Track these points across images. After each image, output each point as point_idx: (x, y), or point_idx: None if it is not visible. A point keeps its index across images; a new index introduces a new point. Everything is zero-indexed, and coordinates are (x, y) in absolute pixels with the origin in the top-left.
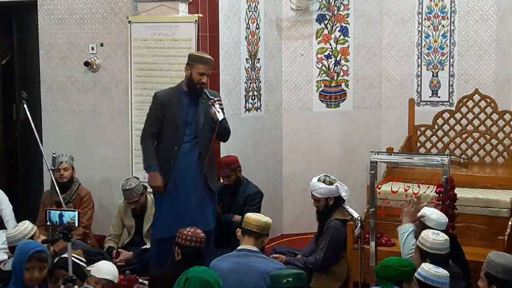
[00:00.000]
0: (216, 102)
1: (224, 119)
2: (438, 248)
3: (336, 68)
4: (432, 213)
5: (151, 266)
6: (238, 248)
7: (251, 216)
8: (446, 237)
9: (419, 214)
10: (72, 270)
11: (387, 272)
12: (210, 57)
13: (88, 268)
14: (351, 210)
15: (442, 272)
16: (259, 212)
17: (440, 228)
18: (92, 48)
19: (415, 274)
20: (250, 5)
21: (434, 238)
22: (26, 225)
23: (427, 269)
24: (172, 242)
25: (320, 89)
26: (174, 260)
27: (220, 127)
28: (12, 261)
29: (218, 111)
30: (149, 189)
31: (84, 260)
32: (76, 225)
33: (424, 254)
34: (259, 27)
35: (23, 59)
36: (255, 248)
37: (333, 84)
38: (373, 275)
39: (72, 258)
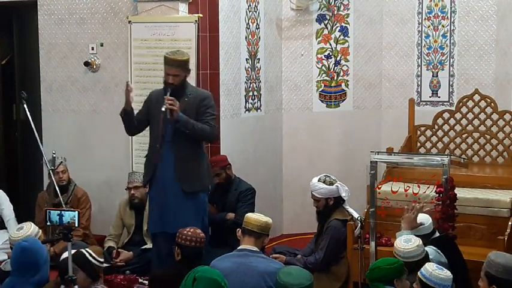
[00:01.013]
0: (166, 102)
1: (179, 120)
2: (411, 255)
3: (336, 68)
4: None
5: (152, 262)
6: (239, 248)
7: (251, 216)
8: (418, 242)
9: (418, 221)
10: (88, 268)
11: (376, 273)
12: (175, 57)
13: None
14: (351, 210)
15: (446, 274)
16: (253, 207)
17: (425, 232)
18: (92, 48)
19: (418, 273)
20: (250, 5)
21: (405, 246)
22: (32, 228)
23: (430, 270)
24: (164, 237)
25: (320, 89)
26: (174, 259)
27: (181, 127)
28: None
29: (167, 111)
30: None
31: (101, 259)
32: (76, 225)
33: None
34: (259, 27)
35: (23, 59)
36: (255, 248)
37: (333, 84)
38: None
39: (89, 257)
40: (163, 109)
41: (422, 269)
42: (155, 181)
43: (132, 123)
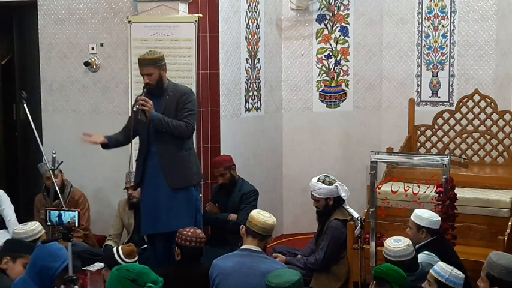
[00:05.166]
0: (138, 102)
1: (153, 119)
2: (400, 255)
3: (336, 68)
4: (423, 213)
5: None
6: (242, 247)
7: (256, 217)
8: (408, 242)
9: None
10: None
11: (384, 273)
12: (145, 57)
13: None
14: (350, 210)
15: (460, 273)
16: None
17: (434, 227)
18: (92, 48)
19: (433, 273)
20: (250, 5)
21: (395, 246)
22: (37, 225)
23: (448, 270)
24: (158, 237)
25: (320, 89)
26: (170, 259)
27: (156, 126)
28: (46, 260)
29: (138, 111)
30: None
31: (128, 260)
32: (76, 225)
33: (391, 263)
34: (259, 27)
35: (23, 59)
36: (258, 249)
37: (333, 84)
38: None
39: (117, 257)
40: (134, 109)
41: (438, 270)
42: (145, 182)
43: (121, 144)
